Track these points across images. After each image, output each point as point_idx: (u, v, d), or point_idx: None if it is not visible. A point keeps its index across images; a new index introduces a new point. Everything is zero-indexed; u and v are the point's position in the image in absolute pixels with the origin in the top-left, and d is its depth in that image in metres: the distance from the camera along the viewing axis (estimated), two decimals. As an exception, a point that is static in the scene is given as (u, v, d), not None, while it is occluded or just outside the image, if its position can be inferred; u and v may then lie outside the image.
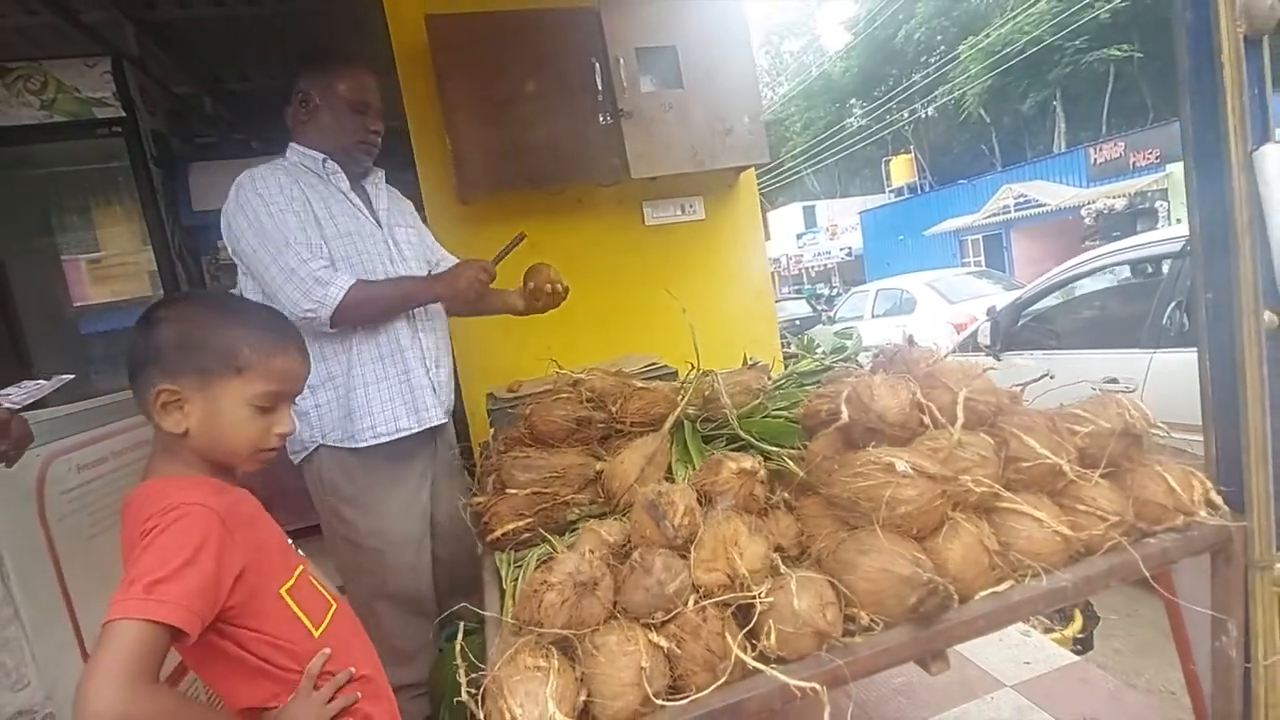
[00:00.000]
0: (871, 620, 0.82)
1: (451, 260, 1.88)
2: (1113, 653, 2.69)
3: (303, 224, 1.49)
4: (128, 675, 0.71)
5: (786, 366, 2.21)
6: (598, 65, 2.52)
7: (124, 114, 3.10)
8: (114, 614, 0.74)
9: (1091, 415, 0.96)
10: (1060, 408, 1.03)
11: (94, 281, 3.65)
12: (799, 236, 29.86)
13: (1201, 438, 1.07)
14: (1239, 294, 0.88)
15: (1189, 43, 0.88)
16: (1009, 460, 0.94)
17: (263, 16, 3.53)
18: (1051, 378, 1.03)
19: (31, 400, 1.02)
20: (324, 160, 1.60)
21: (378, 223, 1.66)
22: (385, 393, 1.58)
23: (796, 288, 24.12)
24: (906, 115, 27.14)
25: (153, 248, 3.30)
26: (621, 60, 2.52)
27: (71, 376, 1.06)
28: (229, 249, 1.57)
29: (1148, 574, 0.86)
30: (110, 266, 3.64)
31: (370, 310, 1.53)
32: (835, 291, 21.35)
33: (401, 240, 1.70)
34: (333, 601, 1.03)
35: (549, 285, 1.70)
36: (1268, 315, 0.88)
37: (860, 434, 0.98)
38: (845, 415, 0.98)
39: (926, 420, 0.98)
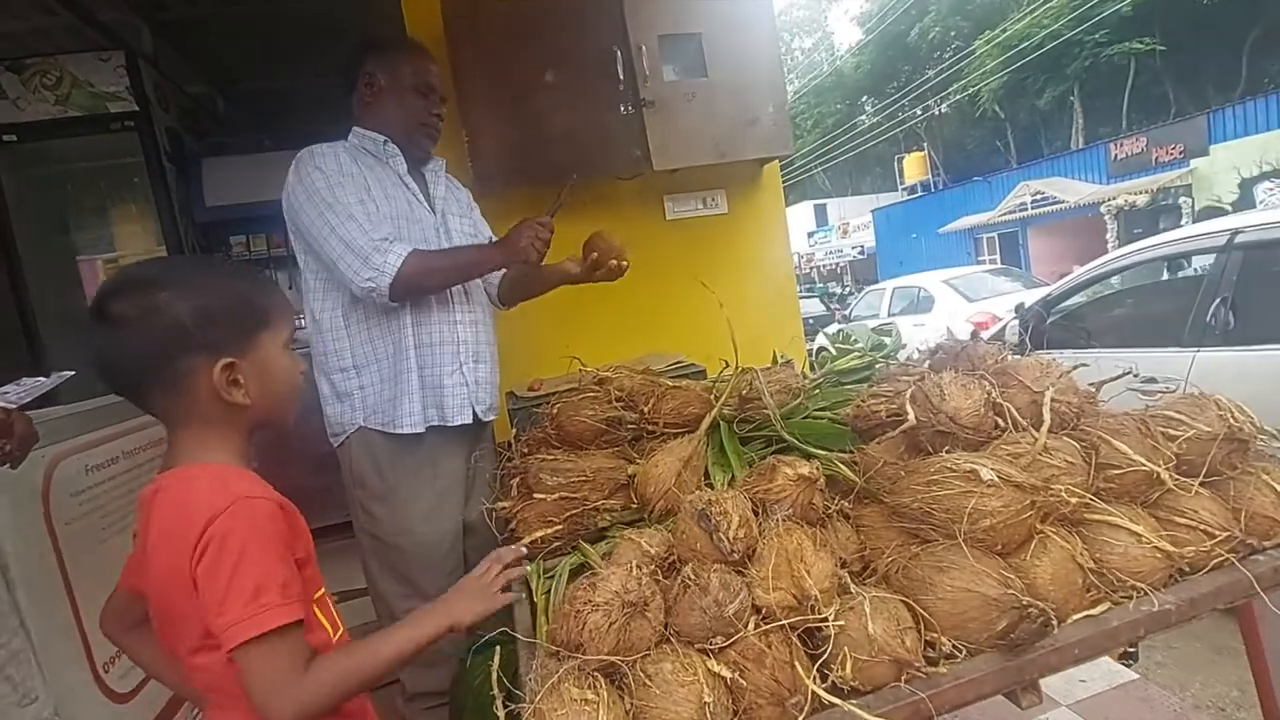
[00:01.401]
0: (954, 646, 0.73)
1: None
2: (1155, 666, 2.57)
3: (361, 199, 1.47)
4: (300, 674, 0.77)
5: (813, 366, 2.12)
6: (619, 53, 2.43)
7: (137, 108, 3.06)
8: (261, 627, 0.74)
9: (1189, 418, 0.87)
10: (1146, 410, 0.94)
11: (109, 281, 3.63)
12: (810, 235, 29.63)
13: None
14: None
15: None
16: (1097, 468, 0.85)
17: (275, 13, 3.48)
18: (1136, 375, 0.94)
19: (30, 398, 0.96)
20: (384, 142, 1.60)
21: (431, 209, 1.65)
22: (416, 383, 1.54)
23: (808, 286, 23.93)
24: (920, 112, 26.86)
25: (166, 245, 3.27)
26: (644, 48, 2.43)
27: (72, 373, 0.99)
28: (289, 227, 1.55)
29: (1265, 596, 0.77)
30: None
31: (430, 280, 1.50)
32: (847, 290, 21.16)
33: (454, 229, 1.68)
34: (340, 624, 0.96)
35: (613, 260, 1.62)
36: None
37: (928, 437, 0.90)
38: (911, 417, 0.90)
39: (1002, 423, 0.89)
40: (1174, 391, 2.99)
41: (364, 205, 1.47)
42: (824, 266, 27.63)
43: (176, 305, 0.81)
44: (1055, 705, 1.52)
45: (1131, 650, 2.10)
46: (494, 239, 1.87)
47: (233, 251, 3.52)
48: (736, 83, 2.58)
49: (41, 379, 0.98)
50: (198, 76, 4.06)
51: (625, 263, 1.64)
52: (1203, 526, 0.81)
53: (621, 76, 2.45)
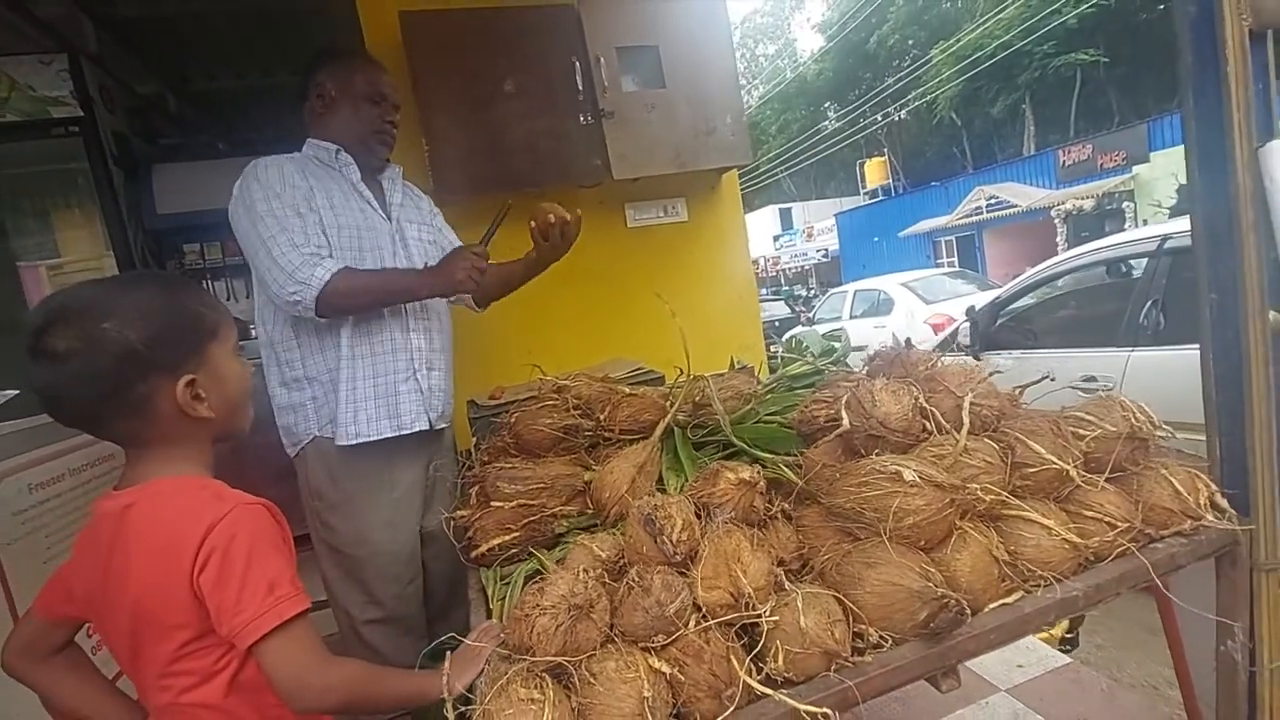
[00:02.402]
0: (880, 637, 0.79)
1: None
2: (1095, 648, 2.70)
3: (300, 212, 1.45)
4: (324, 658, 0.83)
5: (772, 369, 2.18)
6: (578, 64, 2.47)
7: (81, 113, 2.97)
8: (280, 617, 0.80)
9: (1096, 418, 0.94)
10: (1062, 411, 1.01)
11: (55, 289, 3.51)
12: (776, 238, 30.05)
13: (1188, 435, 1.06)
14: (1244, 294, 0.86)
15: (1190, 37, 0.86)
16: (1014, 466, 0.91)
17: (230, 14, 3.42)
18: (1053, 379, 1.01)
19: (-28, 418, 0.94)
20: (336, 151, 1.59)
21: (386, 216, 1.64)
22: (367, 392, 1.53)
23: (774, 289, 24.25)
24: (880, 118, 27.50)
25: (115, 253, 3.18)
26: (602, 59, 2.47)
27: (15, 393, 0.98)
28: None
29: (1158, 581, 0.84)
30: (72, 273, 3.49)
31: (358, 300, 1.47)
32: (812, 293, 21.53)
33: (410, 236, 1.67)
34: None
35: (550, 216, 1.59)
36: (1273, 316, 0.87)
37: (862, 441, 0.95)
38: (846, 422, 0.95)
39: (929, 426, 0.95)
40: (1111, 390, 3.12)
41: (302, 218, 1.44)
42: (789, 269, 28.03)
43: (125, 332, 0.80)
44: (995, 690, 1.60)
45: (1070, 636, 2.20)
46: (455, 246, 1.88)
47: (185, 260, 3.45)
48: (694, 93, 2.63)
49: (-19, 397, 0.96)
50: (148, 75, 3.95)
51: (571, 215, 1.61)
52: (1107, 519, 0.88)
53: (580, 87, 2.48)
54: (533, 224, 1.62)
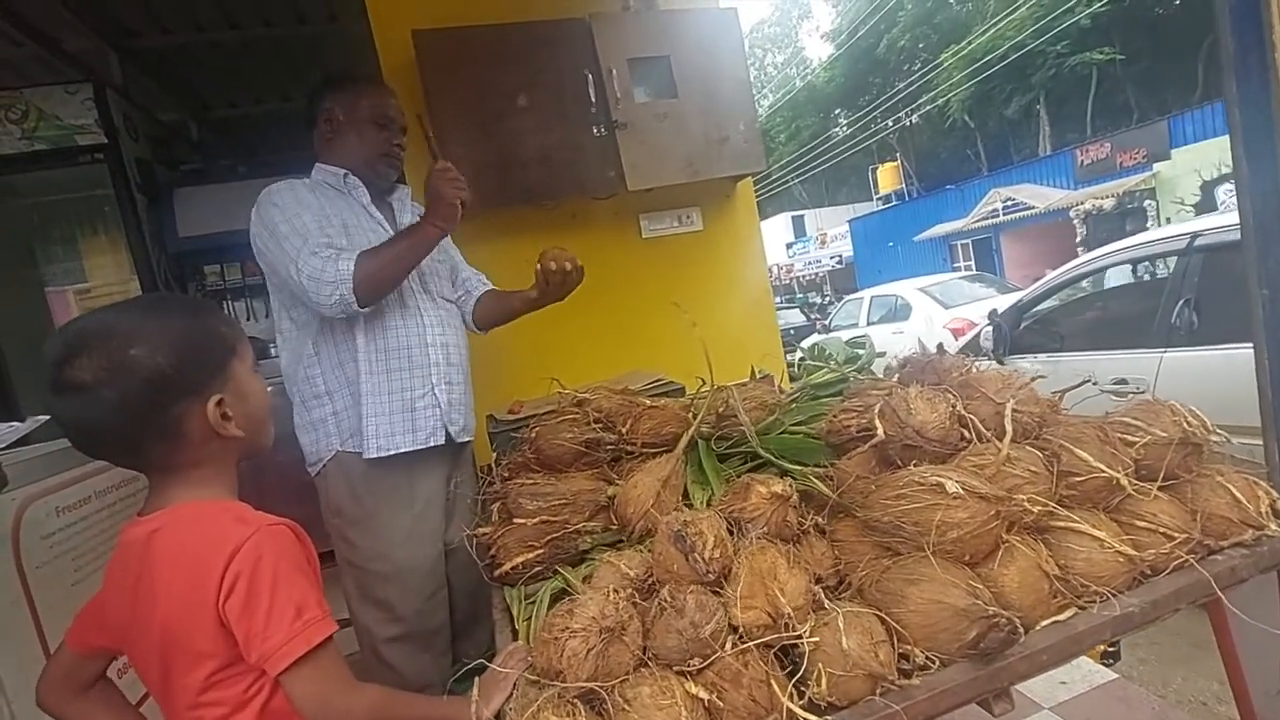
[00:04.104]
0: (927, 658, 0.75)
1: (477, 276, 1.88)
2: (1138, 662, 2.60)
3: (320, 224, 1.47)
4: (349, 684, 0.82)
5: (792, 378, 2.14)
6: (590, 77, 2.47)
7: (106, 141, 3.04)
8: (309, 643, 0.78)
9: (1145, 424, 0.89)
10: (1105, 416, 0.97)
11: (82, 312, 3.58)
12: (789, 246, 29.94)
13: (1224, 436, 1.01)
14: (1300, 289, 0.82)
15: (1232, 23, 0.83)
16: (1059, 475, 0.87)
17: (249, 41, 3.49)
18: (1095, 383, 0.97)
19: (3, 445, 0.94)
20: (345, 175, 1.61)
21: None
22: (386, 406, 1.53)
23: (789, 297, 24.11)
24: (891, 123, 27.35)
25: (139, 276, 3.24)
26: (614, 71, 2.47)
27: (47, 417, 0.98)
28: (261, 266, 1.56)
29: (1221, 594, 0.79)
30: (98, 297, 3.57)
31: (385, 273, 1.47)
32: (827, 300, 21.40)
33: None
34: None
35: (553, 263, 1.62)
36: (1333, 311, 0.82)
37: (897, 451, 0.92)
38: (880, 431, 0.91)
39: (968, 434, 0.91)
40: (1143, 393, 3.03)
41: (320, 224, 1.47)
42: (803, 277, 27.88)
43: (154, 356, 0.79)
44: (1037, 709, 1.53)
45: (1112, 649, 2.13)
46: (467, 266, 1.89)
47: (206, 281, 3.50)
48: (706, 102, 2.63)
49: (16, 424, 0.97)
50: (170, 104, 4.05)
51: (570, 264, 1.63)
52: (1162, 529, 0.83)
53: (593, 99, 2.49)
54: (538, 266, 1.64)
